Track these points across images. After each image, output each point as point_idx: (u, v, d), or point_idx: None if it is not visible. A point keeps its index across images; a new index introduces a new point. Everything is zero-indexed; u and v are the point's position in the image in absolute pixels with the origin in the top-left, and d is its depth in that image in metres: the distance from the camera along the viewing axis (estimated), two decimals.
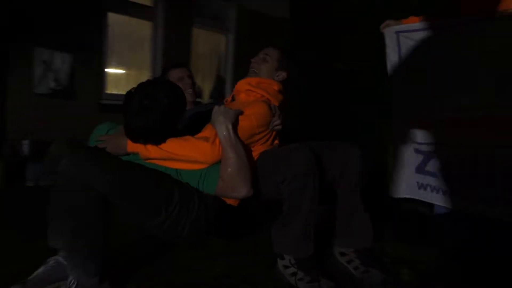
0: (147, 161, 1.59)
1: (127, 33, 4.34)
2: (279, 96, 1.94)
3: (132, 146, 1.56)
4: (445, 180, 1.92)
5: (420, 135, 2.01)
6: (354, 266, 1.82)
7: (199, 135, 1.67)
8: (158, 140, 1.57)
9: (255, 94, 1.89)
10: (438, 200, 2.03)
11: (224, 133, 1.60)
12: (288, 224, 1.70)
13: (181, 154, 1.57)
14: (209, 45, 5.15)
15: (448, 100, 1.82)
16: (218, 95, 5.27)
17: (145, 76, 4.41)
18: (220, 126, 1.61)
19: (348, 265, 1.84)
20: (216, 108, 1.67)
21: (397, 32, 1.98)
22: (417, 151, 2.04)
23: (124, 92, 1.58)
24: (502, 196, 1.75)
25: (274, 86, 1.94)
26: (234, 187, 1.56)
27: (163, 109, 1.53)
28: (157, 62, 4.45)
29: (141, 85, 1.57)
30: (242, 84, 1.95)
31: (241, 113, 1.70)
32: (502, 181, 1.73)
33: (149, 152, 1.56)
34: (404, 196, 2.17)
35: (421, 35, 1.90)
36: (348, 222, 1.84)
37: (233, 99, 1.99)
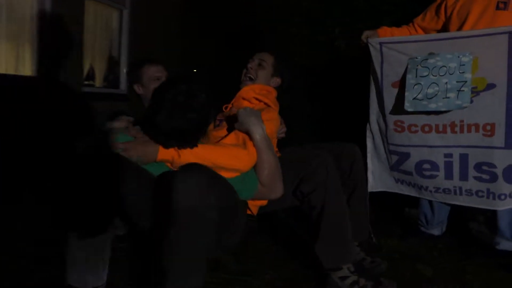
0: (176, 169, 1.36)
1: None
2: (277, 104, 1.91)
3: (164, 153, 1.35)
4: (419, 176, 2.18)
5: (395, 138, 2.20)
6: (361, 257, 1.88)
7: (225, 141, 1.57)
8: (193, 144, 1.38)
9: (259, 102, 1.83)
10: (413, 192, 2.26)
11: (261, 133, 1.52)
12: (331, 233, 1.66)
13: (220, 162, 1.41)
14: (102, 21, 4.48)
15: (423, 104, 2.01)
16: (112, 78, 4.67)
17: (28, 53, 3.58)
18: (255, 128, 1.52)
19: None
20: (242, 111, 1.56)
21: (381, 43, 2.12)
22: (391, 152, 2.25)
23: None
24: (463, 186, 2.08)
25: (273, 94, 1.92)
26: (274, 189, 1.54)
27: (201, 106, 1.36)
28: (45, 37, 3.65)
29: (172, 80, 1.41)
30: (248, 91, 1.85)
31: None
32: (459, 174, 2.08)
33: (184, 160, 1.35)
34: (381, 190, 2.34)
35: (407, 45, 2.08)
36: (354, 216, 1.85)
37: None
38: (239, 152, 1.46)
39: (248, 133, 1.52)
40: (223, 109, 1.85)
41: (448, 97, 1.93)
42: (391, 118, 2.17)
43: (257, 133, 1.51)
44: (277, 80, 1.93)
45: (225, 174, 1.41)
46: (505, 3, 1.98)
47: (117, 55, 4.69)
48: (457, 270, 1.98)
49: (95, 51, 4.42)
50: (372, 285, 1.65)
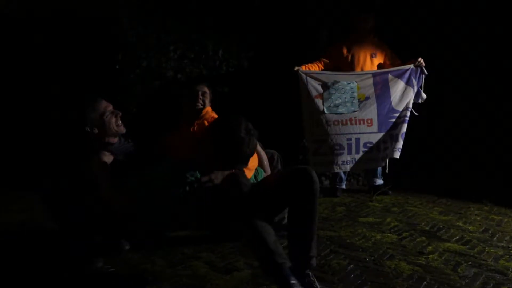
0: None
1: None
2: None
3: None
4: (332, 155, 3.54)
5: (317, 130, 3.57)
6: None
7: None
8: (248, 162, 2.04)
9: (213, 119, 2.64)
10: (325, 170, 3.72)
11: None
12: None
13: (255, 164, 2.29)
14: None
15: (334, 109, 3.57)
16: None
17: None
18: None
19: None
20: None
21: (305, 74, 3.60)
22: (315, 141, 3.58)
23: None
24: (357, 157, 3.59)
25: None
26: (269, 171, 2.40)
27: (256, 133, 1.94)
28: None
29: (235, 122, 1.89)
30: (205, 114, 2.75)
31: None
32: (362, 149, 3.59)
33: (248, 171, 2.11)
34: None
35: (320, 76, 3.63)
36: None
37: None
38: (255, 155, 2.20)
39: None
40: (190, 129, 2.68)
41: (347, 105, 3.59)
42: (314, 117, 3.56)
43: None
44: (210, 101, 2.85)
45: (252, 172, 2.22)
46: (375, 54, 3.80)
47: None
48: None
49: None
50: None
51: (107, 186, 1.95)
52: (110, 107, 2.13)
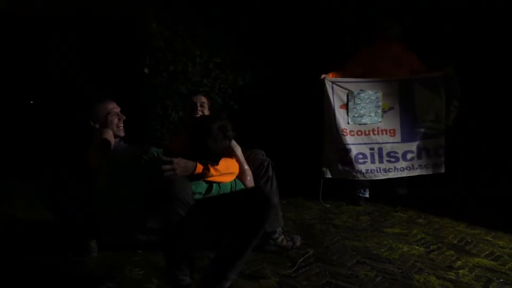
0: (209, 178, 1.92)
1: None
2: None
3: (199, 168, 1.88)
4: (356, 163, 3.62)
5: (341, 140, 3.62)
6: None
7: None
8: (218, 160, 1.97)
9: None
10: (350, 177, 3.65)
11: (239, 152, 2.24)
12: None
13: (232, 169, 2.07)
14: None
15: (358, 119, 3.65)
16: None
17: None
18: (236, 148, 2.23)
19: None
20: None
21: (332, 82, 3.62)
22: (339, 149, 3.64)
23: None
24: (381, 166, 3.66)
25: None
26: None
27: (230, 136, 1.95)
28: None
29: (211, 117, 2.04)
30: None
31: None
32: (386, 159, 3.65)
33: (215, 171, 1.93)
34: (333, 177, 3.67)
35: (347, 84, 3.65)
36: None
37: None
38: (234, 162, 2.14)
39: (232, 152, 2.18)
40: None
41: (371, 115, 3.65)
42: (339, 127, 3.62)
43: (238, 151, 2.23)
44: (209, 113, 2.77)
45: (229, 178, 2.04)
46: (401, 61, 3.71)
47: None
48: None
49: None
50: (291, 238, 2.53)
51: (96, 149, 2.13)
52: (117, 109, 2.28)
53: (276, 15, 4.26)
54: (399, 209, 3.65)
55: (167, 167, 1.76)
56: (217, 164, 1.95)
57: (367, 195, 3.88)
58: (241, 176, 2.18)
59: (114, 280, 2.05)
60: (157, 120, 3.95)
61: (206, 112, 2.72)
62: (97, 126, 2.24)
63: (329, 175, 3.68)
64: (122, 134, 2.28)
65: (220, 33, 4.14)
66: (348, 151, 3.60)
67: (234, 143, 2.19)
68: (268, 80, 4.32)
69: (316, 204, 3.71)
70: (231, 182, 2.07)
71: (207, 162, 1.91)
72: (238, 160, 2.18)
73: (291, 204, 3.75)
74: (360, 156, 3.62)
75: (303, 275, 2.18)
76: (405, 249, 2.63)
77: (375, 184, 3.90)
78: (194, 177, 1.87)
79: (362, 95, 3.62)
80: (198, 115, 2.64)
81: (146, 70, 3.99)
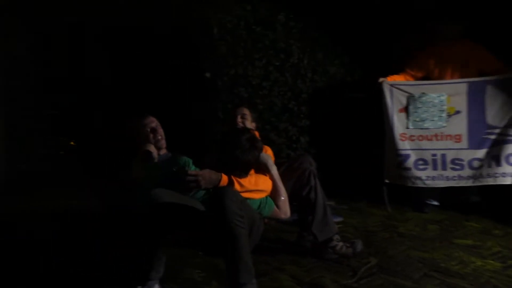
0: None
1: None
2: None
3: (224, 180, 1.92)
4: (416, 169, 3.46)
5: (400, 145, 3.48)
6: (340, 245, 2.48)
7: (251, 173, 2.11)
8: (247, 173, 2.00)
9: None
10: (409, 183, 3.48)
11: (275, 171, 2.18)
12: (321, 217, 2.44)
13: (261, 186, 2.06)
14: None
15: (419, 124, 3.45)
16: None
17: None
18: (272, 167, 2.17)
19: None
20: (262, 154, 2.15)
21: (391, 85, 3.50)
22: (398, 155, 3.49)
23: None
24: (444, 174, 3.42)
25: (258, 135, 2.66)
26: (286, 212, 2.15)
27: (260, 148, 2.01)
28: None
29: (240, 129, 2.10)
30: None
31: None
32: (449, 166, 3.39)
33: (241, 187, 1.93)
34: (391, 182, 3.55)
35: (407, 87, 3.49)
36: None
37: None
38: (266, 179, 2.11)
39: (266, 169, 2.16)
40: None
41: (433, 120, 3.42)
42: (398, 132, 3.48)
43: (274, 171, 2.17)
44: (253, 125, 2.73)
45: (258, 195, 2.04)
46: (467, 61, 3.45)
47: None
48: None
49: None
50: (350, 245, 2.44)
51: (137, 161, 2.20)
52: (153, 124, 2.33)
53: (337, 17, 4.15)
54: (471, 219, 3.38)
55: (192, 178, 1.85)
56: (246, 175, 1.99)
57: (436, 203, 3.64)
58: (274, 195, 2.14)
59: (174, 281, 2.11)
60: (219, 124, 4.02)
61: (248, 125, 2.67)
62: (139, 140, 2.31)
63: (388, 180, 3.55)
64: (162, 146, 2.33)
65: (281, 36, 4.13)
66: (407, 156, 3.45)
67: (270, 162, 2.17)
68: (330, 82, 4.24)
69: (380, 210, 3.57)
70: (260, 200, 2.06)
71: (235, 173, 1.94)
72: (272, 178, 2.14)
73: (354, 210, 3.64)
74: (421, 162, 3.43)
75: (365, 286, 2.09)
76: (479, 263, 2.43)
77: (445, 191, 3.64)
78: None
79: (423, 98, 3.42)
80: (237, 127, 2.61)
81: (207, 75, 4.08)
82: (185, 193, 1.88)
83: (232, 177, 1.94)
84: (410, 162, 3.43)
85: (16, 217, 3.40)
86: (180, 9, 4.42)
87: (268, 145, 4.09)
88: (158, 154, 2.27)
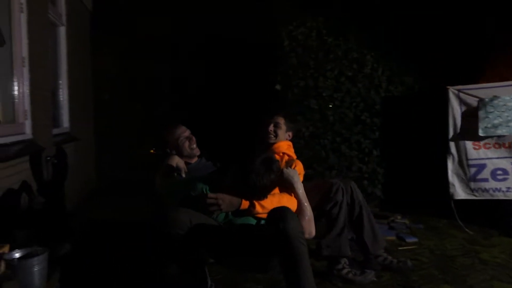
0: (257, 215, 1.92)
1: None
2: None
3: (244, 204, 1.91)
4: (494, 180, 3.21)
5: (473, 154, 3.27)
6: (389, 260, 2.49)
7: (274, 191, 2.03)
8: (266, 196, 1.94)
9: (284, 155, 2.46)
10: (487, 196, 3.23)
11: (301, 189, 2.05)
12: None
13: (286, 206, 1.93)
14: None
15: (491, 130, 3.15)
16: None
17: None
18: (298, 185, 2.05)
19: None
20: (287, 171, 2.07)
21: (458, 90, 3.29)
22: (470, 165, 3.28)
23: None
24: None
25: (292, 146, 2.57)
26: (311, 232, 2.03)
27: (277, 170, 1.92)
28: None
29: (256, 152, 1.94)
30: (278, 147, 2.48)
31: None
32: None
33: (262, 208, 1.91)
34: (461, 198, 3.30)
35: (476, 91, 3.23)
36: (370, 230, 2.51)
37: None
38: (292, 200, 2.01)
39: (291, 187, 2.04)
40: None
41: (509, 125, 3.11)
42: (468, 139, 3.26)
43: (299, 189, 2.04)
44: (289, 134, 2.59)
45: None
46: None
47: None
48: None
49: None
50: (360, 273, 2.34)
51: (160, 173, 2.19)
52: (186, 133, 2.36)
53: (412, 26, 3.94)
54: None
55: (212, 201, 1.85)
56: (264, 198, 1.93)
57: None
58: (298, 214, 2.04)
59: None
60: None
61: (281, 134, 2.52)
62: (174, 152, 2.33)
63: (458, 196, 3.31)
64: (196, 153, 2.37)
65: (354, 46, 4.03)
66: (482, 166, 3.22)
67: (296, 179, 2.06)
68: (406, 93, 4.03)
69: (461, 231, 3.28)
70: None
71: (253, 197, 1.90)
72: (297, 197, 2.03)
73: (431, 230, 3.39)
74: (499, 172, 3.18)
75: None
76: None
77: None
78: (242, 213, 1.91)
79: (495, 102, 3.11)
80: (269, 138, 2.51)
81: (278, 87, 4.10)
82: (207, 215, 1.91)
83: (254, 201, 1.93)
84: (487, 172, 3.21)
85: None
86: (251, 22, 4.52)
87: (339, 158, 4.04)
88: (189, 163, 2.33)
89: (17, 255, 1.76)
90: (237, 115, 5.12)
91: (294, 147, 3.64)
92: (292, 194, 2.03)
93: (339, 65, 4.03)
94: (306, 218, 2.01)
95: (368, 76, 4.03)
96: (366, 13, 4.00)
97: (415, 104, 3.96)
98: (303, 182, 2.24)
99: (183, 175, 2.18)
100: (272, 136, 2.51)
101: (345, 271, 2.35)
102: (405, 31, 3.91)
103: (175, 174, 2.17)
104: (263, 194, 1.92)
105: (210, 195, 1.88)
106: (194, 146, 2.36)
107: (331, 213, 2.40)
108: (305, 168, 4.00)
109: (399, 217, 3.59)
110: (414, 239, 3.10)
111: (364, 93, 4.03)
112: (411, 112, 3.95)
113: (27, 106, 2.98)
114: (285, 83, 4.11)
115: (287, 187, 2.04)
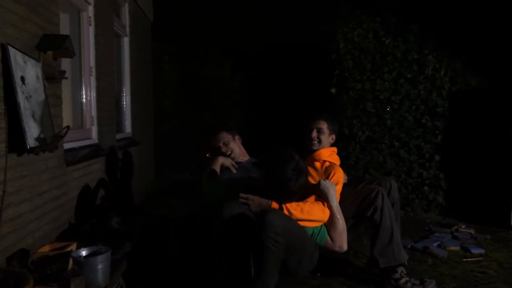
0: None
1: None
2: (338, 158, 2.50)
3: (275, 206, 2.02)
4: None
5: None
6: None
7: (310, 199, 2.15)
8: (295, 198, 2.06)
9: (325, 162, 2.43)
10: None
11: (335, 202, 2.12)
12: (385, 241, 2.23)
13: (315, 218, 2.09)
14: None
15: None
16: None
17: None
18: (332, 198, 2.11)
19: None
20: (323, 183, 2.15)
21: None
22: None
23: None
24: None
25: (335, 151, 2.51)
26: (341, 245, 2.11)
27: (306, 172, 2.06)
28: None
29: (285, 158, 2.01)
30: (319, 155, 2.44)
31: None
32: None
33: (290, 214, 2.01)
34: None
35: None
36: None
37: None
38: (323, 209, 2.09)
39: (325, 199, 2.12)
40: None
41: None
42: None
43: (333, 202, 2.11)
44: (332, 137, 2.51)
45: (310, 224, 2.08)
46: None
47: None
48: None
49: None
50: (418, 284, 2.19)
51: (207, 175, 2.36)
52: (227, 139, 2.51)
53: (478, 19, 3.70)
54: None
55: (243, 201, 1.99)
56: (293, 200, 2.05)
57: None
58: (329, 226, 2.13)
59: None
60: (344, 140, 3.93)
61: (324, 140, 2.45)
62: (213, 154, 2.52)
63: None
64: (234, 158, 2.49)
65: (414, 47, 3.87)
66: None
67: (331, 192, 2.12)
68: (471, 95, 3.80)
69: None
70: (313, 229, 2.10)
71: (282, 200, 2.02)
72: (330, 210, 2.10)
73: (499, 241, 3.15)
74: None
75: None
76: None
77: None
78: None
79: None
80: (313, 145, 2.45)
81: (333, 90, 4.04)
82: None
83: (283, 204, 2.03)
84: None
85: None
86: (306, 27, 4.51)
87: (398, 163, 3.89)
88: (240, 162, 2.48)
89: (83, 253, 1.87)
90: (293, 119, 5.12)
91: (349, 151, 3.58)
92: (326, 205, 2.11)
93: (398, 66, 3.89)
94: (338, 230, 2.11)
95: (429, 78, 3.85)
96: (428, 12, 3.82)
97: (481, 105, 3.72)
98: (344, 186, 2.34)
99: (234, 171, 2.40)
100: (316, 142, 2.46)
101: (403, 280, 2.20)
102: (470, 29, 3.69)
103: (218, 174, 2.36)
104: (292, 196, 2.05)
105: (242, 195, 2.02)
106: (230, 152, 2.48)
107: (373, 219, 2.27)
108: (362, 173, 3.92)
109: (463, 226, 3.38)
110: (481, 251, 2.89)
111: (424, 96, 3.86)
112: (477, 115, 3.71)
113: (93, 112, 3.18)
114: (341, 86, 4.04)
115: (323, 198, 2.12)
